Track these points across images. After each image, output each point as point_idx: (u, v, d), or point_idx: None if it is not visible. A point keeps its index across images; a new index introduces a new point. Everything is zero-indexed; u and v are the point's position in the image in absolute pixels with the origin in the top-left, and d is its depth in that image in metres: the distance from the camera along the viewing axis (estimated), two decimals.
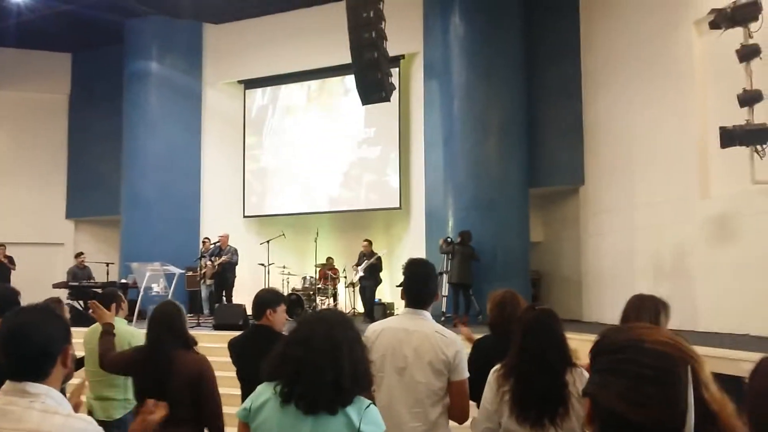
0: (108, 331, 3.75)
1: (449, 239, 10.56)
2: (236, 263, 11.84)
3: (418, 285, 3.05)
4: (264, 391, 1.99)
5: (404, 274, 3.08)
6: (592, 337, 1.23)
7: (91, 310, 4.00)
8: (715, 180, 8.74)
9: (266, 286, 11.32)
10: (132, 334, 4.36)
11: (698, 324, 8.32)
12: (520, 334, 2.74)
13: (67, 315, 4.60)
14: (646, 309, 3.03)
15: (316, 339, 1.88)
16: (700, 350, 2.30)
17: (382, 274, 11.62)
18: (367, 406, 1.95)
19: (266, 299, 3.78)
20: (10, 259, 12.91)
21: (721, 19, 7.42)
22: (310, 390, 1.86)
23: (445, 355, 2.86)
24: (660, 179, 9.57)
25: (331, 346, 1.87)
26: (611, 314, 9.97)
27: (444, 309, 10.30)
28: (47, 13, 13.16)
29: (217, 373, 3.37)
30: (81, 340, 4.56)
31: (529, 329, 2.72)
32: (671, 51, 9.38)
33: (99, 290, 10.84)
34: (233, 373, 3.70)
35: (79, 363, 4.54)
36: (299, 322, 2.00)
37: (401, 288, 3.11)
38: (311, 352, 1.85)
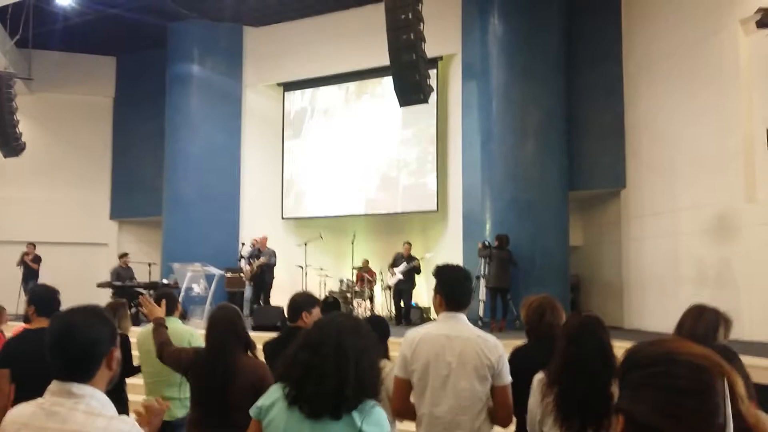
0: (161, 324, 3.76)
1: (487, 242, 10.45)
2: (274, 265, 11.96)
3: (455, 289, 3.01)
4: (275, 392, 2.04)
5: (437, 278, 3.05)
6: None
7: (141, 306, 4.02)
8: (762, 183, 8.50)
9: (303, 288, 11.43)
10: (191, 333, 4.40)
11: (743, 333, 8.09)
12: (564, 342, 2.68)
13: (129, 318, 4.66)
14: (705, 321, 2.95)
15: (324, 345, 1.91)
16: (745, 360, 2.23)
17: (421, 277, 11.59)
18: (372, 407, 1.95)
19: (301, 302, 3.79)
20: (36, 258, 13.17)
21: None
22: (314, 395, 1.89)
23: (489, 360, 2.83)
24: (704, 182, 9.35)
25: (337, 354, 1.89)
26: (653, 321, 9.84)
27: (481, 314, 10.20)
28: (92, 17, 13.48)
29: None
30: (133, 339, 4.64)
31: (573, 337, 2.65)
32: (716, 51, 9.16)
33: (141, 290, 11.05)
34: None
35: (135, 369, 4.60)
36: (314, 326, 2.04)
37: (435, 293, 3.06)
38: (318, 357, 1.89)
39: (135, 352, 4.64)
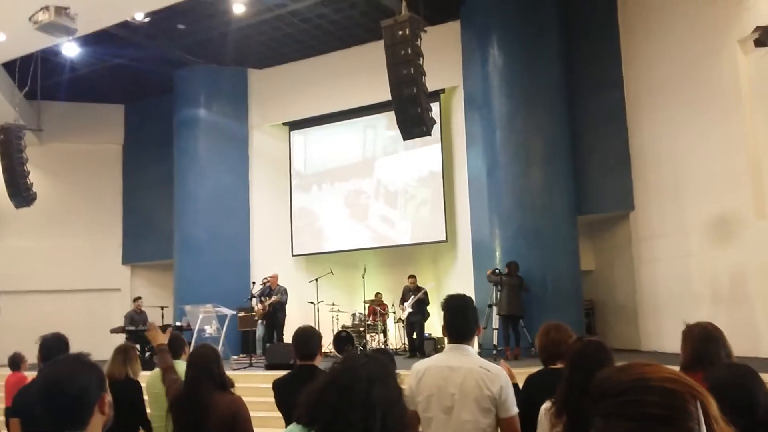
0: (163, 350, 3.93)
1: (497, 270, 10.43)
2: (286, 302, 11.95)
3: (457, 319, 3.00)
4: None
5: (443, 309, 3.05)
6: None
7: (147, 331, 4.14)
8: None
9: (316, 325, 11.40)
10: None
11: (760, 350, 8.00)
12: (568, 368, 2.65)
13: (138, 360, 4.70)
14: (713, 339, 2.90)
15: (354, 392, 1.81)
16: (763, 377, 2.20)
17: (430, 308, 11.54)
18: None
19: (317, 338, 3.82)
20: None
21: (766, 37, 7.29)
22: None
23: (490, 391, 2.79)
24: (711, 202, 9.34)
25: (366, 404, 1.80)
26: (670, 342, 9.71)
27: (495, 342, 10.14)
28: (99, 67, 13.76)
29: (267, 413, 3.41)
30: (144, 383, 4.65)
31: (577, 362, 2.61)
32: (716, 71, 9.23)
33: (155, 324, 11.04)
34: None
35: (147, 423, 4.59)
36: (343, 366, 1.94)
37: (442, 325, 3.08)
38: (346, 404, 1.79)
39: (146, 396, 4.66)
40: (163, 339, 4.01)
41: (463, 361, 2.90)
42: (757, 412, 2.12)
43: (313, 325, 4.43)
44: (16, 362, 6.50)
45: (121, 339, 11.64)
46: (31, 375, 5.11)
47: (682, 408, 1.04)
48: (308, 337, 3.81)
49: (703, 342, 2.88)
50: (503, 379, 2.86)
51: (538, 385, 3.27)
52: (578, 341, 2.78)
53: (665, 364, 1.15)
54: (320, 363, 3.66)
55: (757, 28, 7.43)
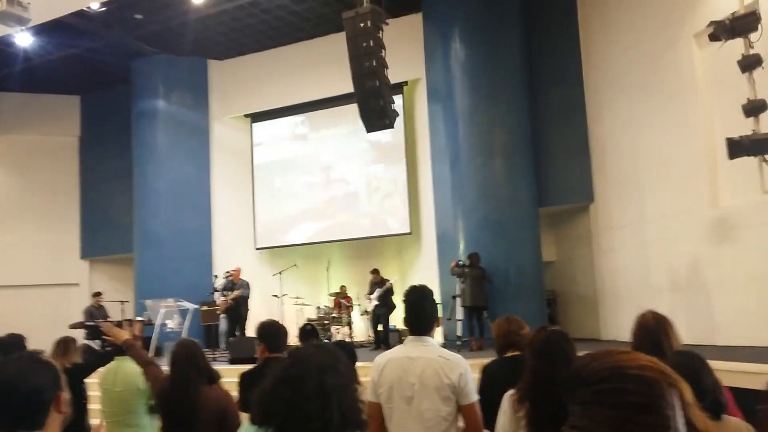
0: (132, 345, 3.81)
1: (460, 262, 10.49)
2: (248, 296, 11.85)
3: (416, 311, 3.04)
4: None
5: (403, 302, 3.09)
6: None
7: (104, 334, 4.04)
8: (724, 191, 8.70)
9: (281, 318, 11.34)
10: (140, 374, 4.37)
11: (716, 338, 8.22)
12: (531, 357, 2.71)
13: (78, 351, 4.66)
14: (649, 329, 2.97)
15: (306, 382, 1.79)
16: (718, 365, 2.26)
17: (396, 301, 11.57)
18: None
19: (284, 331, 3.83)
20: None
21: (720, 31, 7.44)
22: None
23: (450, 379, 2.83)
24: (669, 193, 9.53)
25: (320, 394, 1.78)
26: (629, 332, 9.91)
27: (459, 333, 10.21)
28: (54, 57, 13.40)
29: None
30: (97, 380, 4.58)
31: (540, 351, 2.68)
32: (673, 65, 9.41)
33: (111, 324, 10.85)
34: None
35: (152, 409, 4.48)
36: (292, 359, 1.90)
37: (403, 317, 3.12)
38: (301, 397, 1.77)
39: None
40: (125, 334, 3.92)
41: (423, 352, 2.93)
42: (704, 399, 2.16)
43: (276, 319, 4.43)
44: None
45: (80, 334, 11.42)
46: None
47: (660, 395, 1.06)
48: (275, 330, 3.84)
49: (647, 331, 2.97)
50: (463, 366, 2.90)
51: (495, 372, 3.43)
52: (542, 330, 2.83)
53: None
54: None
55: (712, 23, 7.57)
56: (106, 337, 4.04)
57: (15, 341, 3.69)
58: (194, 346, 3.50)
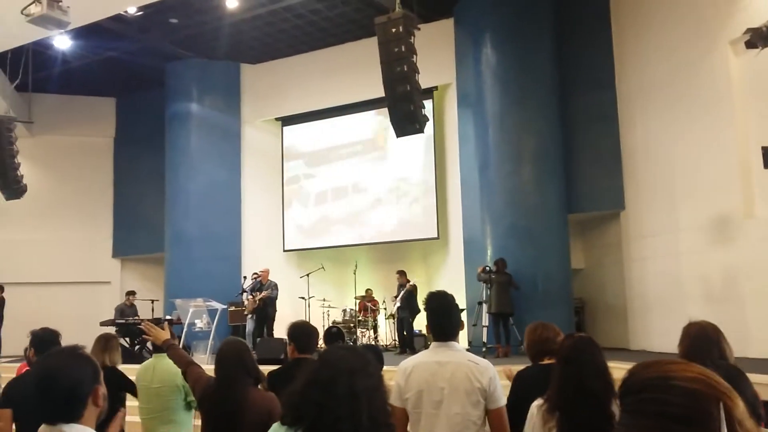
0: (172, 345, 3.77)
1: (488, 267, 10.44)
2: (276, 297, 11.95)
3: (440, 318, 3.03)
4: None
5: (425, 308, 3.08)
6: None
7: (145, 335, 4.00)
8: (759, 200, 8.55)
9: (307, 320, 11.41)
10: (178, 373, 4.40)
11: (749, 350, 8.06)
12: (560, 365, 2.69)
13: (119, 350, 4.69)
14: (705, 338, 2.92)
15: (336, 385, 1.80)
16: (753, 378, 2.23)
17: (420, 304, 11.55)
18: None
19: (314, 333, 3.82)
20: None
21: (757, 38, 7.32)
22: None
23: (480, 383, 2.84)
24: (702, 202, 9.40)
25: (351, 396, 1.79)
26: (659, 341, 9.81)
27: (485, 339, 10.17)
28: (91, 60, 13.69)
29: None
30: (132, 377, 4.65)
31: (569, 359, 2.66)
32: (708, 72, 9.28)
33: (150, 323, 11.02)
34: None
35: (189, 406, 4.42)
36: (322, 362, 1.92)
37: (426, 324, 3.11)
38: (331, 399, 1.78)
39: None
40: (165, 334, 3.88)
41: (452, 356, 2.94)
42: None
43: (306, 320, 4.42)
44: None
45: (111, 332, 11.60)
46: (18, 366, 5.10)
47: (703, 409, 1.03)
48: (307, 331, 3.83)
49: (697, 341, 2.93)
50: (492, 371, 2.91)
51: (528, 379, 3.33)
52: (569, 337, 2.82)
53: None
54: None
55: (749, 30, 7.46)
56: (146, 337, 4.01)
57: (50, 336, 3.77)
58: (242, 345, 3.40)
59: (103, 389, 1.90)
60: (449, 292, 3.17)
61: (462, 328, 3.13)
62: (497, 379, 2.92)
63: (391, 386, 3.20)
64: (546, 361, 3.32)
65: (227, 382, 3.23)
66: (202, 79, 14.73)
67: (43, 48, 12.52)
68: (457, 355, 2.95)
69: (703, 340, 2.92)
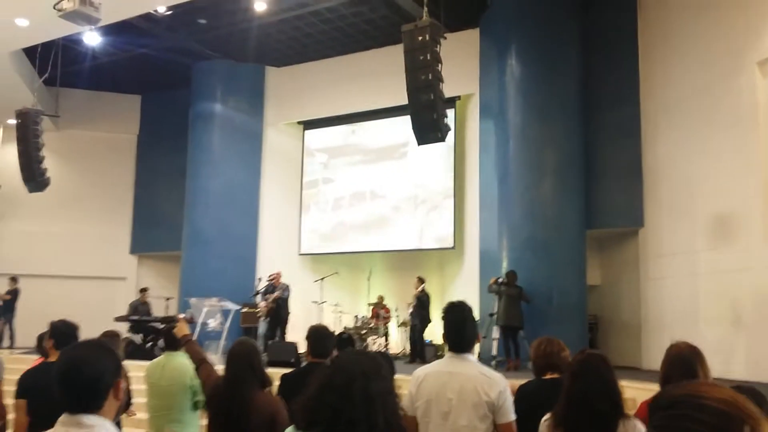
0: (189, 340, 3.84)
1: (500, 279, 10.37)
2: (288, 298, 11.96)
3: (455, 329, 3.02)
4: None
5: (442, 319, 3.08)
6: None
7: (176, 326, 4.05)
8: None
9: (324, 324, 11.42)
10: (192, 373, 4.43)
11: (764, 374, 7.95)
12: (569, 380, 2.65)
13: (121, 349, 4.72)
14: (684, 360, 2.88)
15: (351, 389, 1.80)
16: None
17: (432, 313, 11.52)
18: None
19: (333, 337, 3.83)
20: (10, 292, 13.39)
21: None
22: None
23: (488, 396, 2.82)
24: (724, 222, 9.30)
25: (366, 399, 1.80)
26: None
27: (494, 352, 10.11)
28: (118, 57, 13.88)
29: None
30: (141, 374, 4.68)
31: (578, 374, 2.61)
32: (734, 93, 9.20)
33: (159, 324, 11.11)
34: None
35: (196, 405, 4.42)
36: (336, 366, 1.92)
37: (442, 332, 3.10)
38: (347, 402, 1.78)
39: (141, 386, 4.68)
40: (186, 330, 3.95)
41: (463, 368, 2.93)
42: None
43: (326, 325, 4.42)
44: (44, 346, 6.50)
45: (124, 327, 11.72)
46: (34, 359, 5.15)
47: (731, 430, 1.03)
48: (323, 335, 3.83)
49: (674, 363, 2.89)
50: (502, 385, 2.89)
51: (529, 394, 3.32)
52: (581, 353, 2.79)
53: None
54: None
55: None
56: (174, 331, 4.05)
57: (70, 329, 3.81)
58: (252, 346, 3.44)
59: (124, 383, 1.94)
60: (465, 302, 3.16)
61: (478, 341, 3.12)
62: (508, 393, 2.89)
63: (402, 395, 3.20)
64: (549, 376, 3.32)
65: (235, 381, 3.26)
66: (227, 80, 14.86)
67: (72, 43, 12.70)
68: (469, 366, 2.94)
69: (678, 361, 2.87)
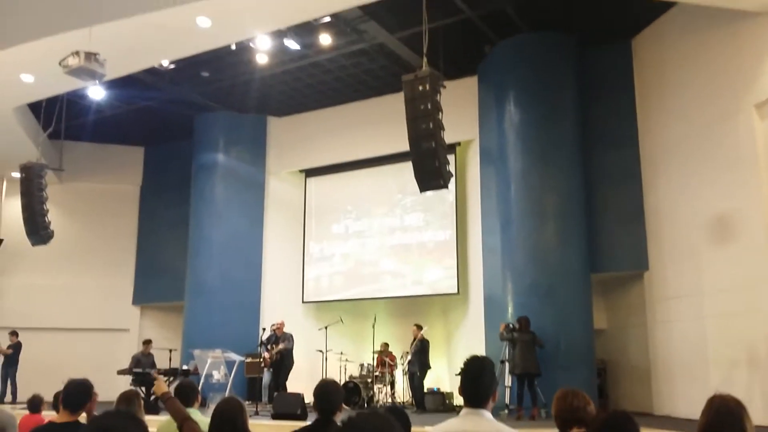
0: (169, 398, 3.82)
1: (511, 325, 10.28)
2: (292, 348, 11.87)
3: (474, 383, 2.96)
4: None
5: (461, 372, 3.03)
6: None
7: (155, 386, 4.04)
8: None
9: (324, 374, 11.28)
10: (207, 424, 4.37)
11: None
12: None
13: (142, 408, 4.65)
14: (730, 414, 2.83)
15: None
16: None
17: (441, 360, 11.40)
18: None
19: (341, 394, 3.78)
20: (12, 346, 13.27)
21: None
22: None
23: None
24: (728, 265, 9.26)
25: None
26: (684, 407, 9.55)
27: (507, 401, 9.94)
28: (121, 110, 14.06)
29: None
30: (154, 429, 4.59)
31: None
32: (732, 135, 9.27)
33: (162, 377, 10.96)
34: None
35: None
36: (348, 426, 1.90)
37: (459, 386, 3.05)
38: None
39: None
40: (164, 388, 3.93)
41: (481, 426, 2.86)
42: None
43: (320, 375, 4.37)
44: (36, 404, 6.46)
45: (126, 380, 11.57)
46: (48, 416, 5.05)
47: None
48: (330, 391, 3.76)
49: (719, 415, 2.83)
50: None
51: None
52: (603, 411, 2.73)
53: (678, 429, 1.12)
54: (339, 417, 3.60)
55: None
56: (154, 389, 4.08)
57: (85, 387, 3.76)
58: (238, 405, 3.45)
59: None
60: (487, 356, 3.13)
61: (495, 398, 3.04)
62: None
63: None
64: (574, 431, 3.23)
65: None
66: (229, 131, 15.01)
67: (77, 97, 12.88)
68: (487, 424, 2.87)
69: (725, 415, 2.81)
